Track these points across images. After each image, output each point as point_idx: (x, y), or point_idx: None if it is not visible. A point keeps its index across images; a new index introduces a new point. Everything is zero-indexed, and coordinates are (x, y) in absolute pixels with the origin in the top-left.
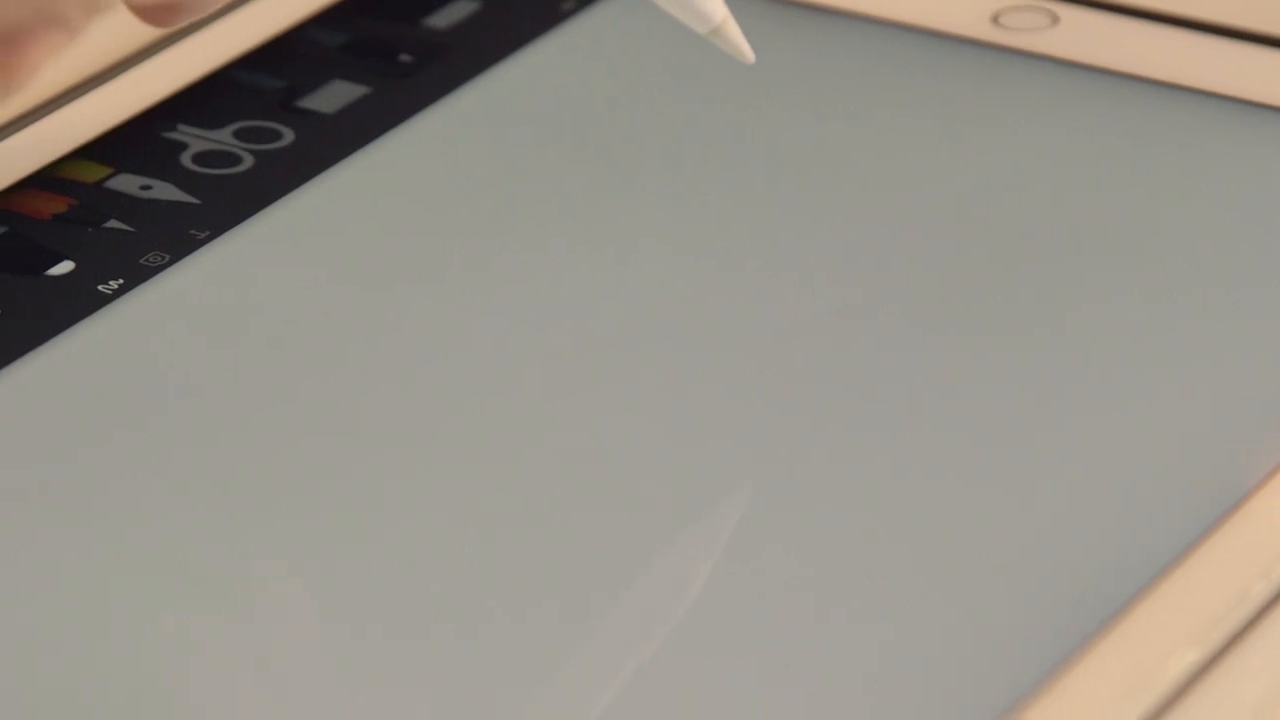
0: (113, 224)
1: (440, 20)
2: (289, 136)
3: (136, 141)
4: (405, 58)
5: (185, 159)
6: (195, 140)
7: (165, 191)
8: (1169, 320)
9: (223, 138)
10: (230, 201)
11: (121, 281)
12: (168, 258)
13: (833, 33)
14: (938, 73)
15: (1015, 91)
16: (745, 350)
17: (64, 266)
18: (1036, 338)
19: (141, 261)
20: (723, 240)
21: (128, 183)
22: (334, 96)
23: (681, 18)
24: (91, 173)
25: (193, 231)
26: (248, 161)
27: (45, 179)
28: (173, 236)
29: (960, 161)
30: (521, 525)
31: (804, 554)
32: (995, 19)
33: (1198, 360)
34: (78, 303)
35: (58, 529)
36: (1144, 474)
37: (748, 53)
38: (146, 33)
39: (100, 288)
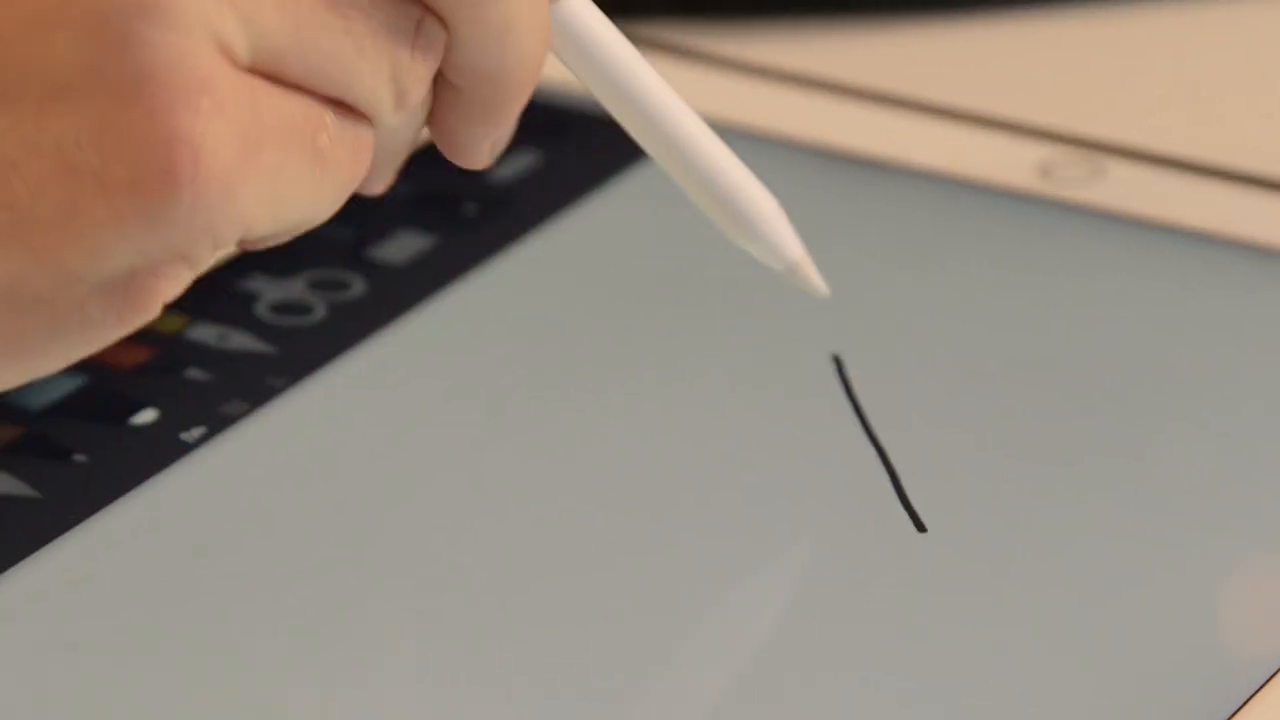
0: (192, 373)
1: (503, 171)
2: (359, 287)
3: (213, 289)
4: (470, 208)
5: (260, 308)
6: (269, 289)
7: (242, 341)
8: (1220, 475)
9: (296, 286)
10: (305, 351)
11: (204, 430)
12: (247, 406)
13: (879, 185)
14: (985, 225)
15: (1063, 243)
16: (814, 504)
17: (147, 415)
18: (1087, 491)
19: (222, 410)
20: (781, 393)
21: (205, 332)
22: (402, 247)
23: (758, 255)
24: (171, 323)
25: (270, 380)
26: (320, 311)
27: None
28: (251, 385)
29: (1008, 313)
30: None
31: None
32: (1043, 171)
33: (1247, 516)
34: (162, 451)
35: (140, 677)
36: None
37: (822, 288)
38: None
39: (183, 436)
